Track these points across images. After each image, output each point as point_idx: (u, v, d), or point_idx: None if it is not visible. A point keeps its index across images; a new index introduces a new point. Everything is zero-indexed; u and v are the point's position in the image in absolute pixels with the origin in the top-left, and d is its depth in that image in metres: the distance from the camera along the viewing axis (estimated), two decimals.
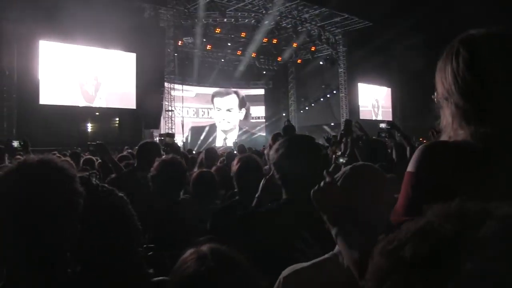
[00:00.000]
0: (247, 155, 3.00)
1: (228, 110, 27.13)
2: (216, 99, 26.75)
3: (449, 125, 1.07)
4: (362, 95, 27.94)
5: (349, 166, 1.44)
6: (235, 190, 2.83)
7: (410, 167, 1.05)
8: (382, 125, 4.82)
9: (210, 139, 25.92)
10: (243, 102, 27.79)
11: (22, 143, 4.34)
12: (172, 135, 18.71)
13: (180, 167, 2.68)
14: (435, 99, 1.12)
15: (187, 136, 21.44)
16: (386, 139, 4.71)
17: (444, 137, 1.08)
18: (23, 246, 1.05)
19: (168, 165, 2.63)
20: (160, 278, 1.28)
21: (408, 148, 4.04)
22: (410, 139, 4.34)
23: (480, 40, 1.04)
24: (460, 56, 1.04)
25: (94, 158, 5.43)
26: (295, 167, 1.64)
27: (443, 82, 1.07)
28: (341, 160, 2.93)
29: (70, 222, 1.11)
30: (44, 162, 1.14)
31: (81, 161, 5.68)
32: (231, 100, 27.36)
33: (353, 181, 1.35)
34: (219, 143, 26.36)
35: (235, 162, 2.84)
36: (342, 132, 3.99)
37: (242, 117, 27.88)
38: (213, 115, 26.56)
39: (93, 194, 1.15)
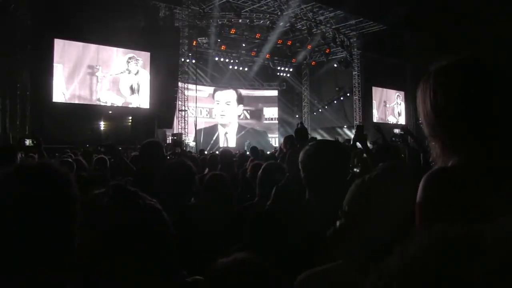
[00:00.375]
0: (272, 164, 2.96)
1: (227, 103, 27.51)
2: (216, 93, 27.22)
3: (439, 158, 1.08)
4: (376, 98, 27.69)
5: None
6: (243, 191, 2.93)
7: (418, 198, 1.02)
8: (396, 131, 4.84)
9: (214, 138, 26.27)
10: (241, 99, 28.11)
11: (34, 142, 4.28)
12: (179, 135, 19.33)
13: (189, 170, 2.58)
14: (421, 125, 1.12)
15: (195, 137, 21.49)
16: (400, 143, 4.85)
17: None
18: (17, 250, 1.03)
19: (176, 168, 2.56)
20: (195, 277, 1.26)
21: (421, 154, 3.98)
22: (423, 144, 4.26)
23: (452, 70, 1.06)
24: (436, 88, 1.06)
25: (106, 158, 5.41)
26: (321, 168, 1.65)
27: (425, 115, 1.09)
28: (355, 169, 2.93)
29: (65, 227, 1.08)
30: (41, 167, 1.14)
31: (93, 160, 5.63)
32: (230, 94, 27.76)
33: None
34: (221, 140, 26.65)
35: (248, 166, 3.00)
36: (354, 138, 3.90)
37: (239, 113, 28.18)
38: (214, 110, 27.11)
39: (131, 201, 1.08)
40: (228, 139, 27.45)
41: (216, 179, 2.89)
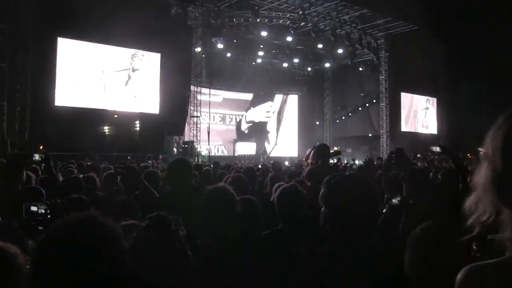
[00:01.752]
0: (293, 187, 2.94)
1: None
2: (249, 113, 27.25)
3: (481, 187, 0.99)
4: (405, 105, 26.99)
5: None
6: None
7: None
8: (434, 149, 5.68)
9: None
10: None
11: (42, 157, 4.35)
12: (190, 143, 18.94)
13: (231, 199, 2.59)
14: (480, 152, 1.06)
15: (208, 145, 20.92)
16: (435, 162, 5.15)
17: (472, 201, 1.00)
18: None
19: (216, 197, 2.57)
20: None
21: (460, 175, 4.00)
22: (463, 166, 4.33)
23: None
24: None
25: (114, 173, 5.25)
26: (345, 208, 1.67)
27: (490, 143, 1.01)
28: (393, 200, 2.80)
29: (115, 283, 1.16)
30: (85, 223, 1.17)
31: (103, 176, 5.46)
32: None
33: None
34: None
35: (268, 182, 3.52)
36: (394, 163, 3.77)
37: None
38: (228, 117, 26.90)
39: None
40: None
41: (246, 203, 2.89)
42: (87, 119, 16.79)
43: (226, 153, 25.83)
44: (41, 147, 12.66)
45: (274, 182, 4.70)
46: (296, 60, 25.22)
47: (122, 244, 1.20)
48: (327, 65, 26.80)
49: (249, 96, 27.51)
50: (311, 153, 6.21)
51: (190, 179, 3.36)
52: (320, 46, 22.86)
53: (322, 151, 5.20)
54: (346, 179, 1.77)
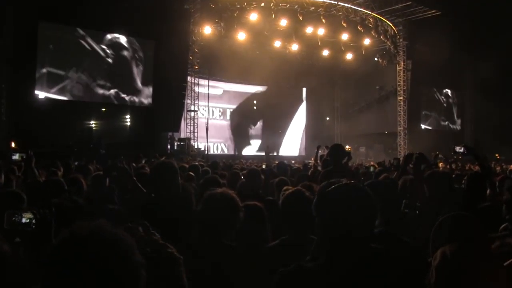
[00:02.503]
0: (297, 193, 2.99)
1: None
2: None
3: None
4: (426, 100, 26.90)
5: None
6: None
7: None
8: (458, 149, 5.21)
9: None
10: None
11: (23, 157, 4.51)
12: (187, 141, 18.73)
13: (233, 204, 2.68)
14: None
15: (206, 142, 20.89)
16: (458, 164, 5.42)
17: None
18: None
19: (216, 200, 2.66)
20: None
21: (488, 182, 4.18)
22: (490, 170, 4.43)
23: None
24: None
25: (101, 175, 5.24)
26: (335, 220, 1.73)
27: None
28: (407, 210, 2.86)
29: None
30: (94, 235, 1.18)
31: (91, 177, 5.49)
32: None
33: None
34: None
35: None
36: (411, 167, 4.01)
37: None
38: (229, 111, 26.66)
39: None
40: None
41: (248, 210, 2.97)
42: (71, 111, 16.64)
43: (226, 151, 25.85)
44: (13, 144, 12.50)
45: (281, 188, 4.81)
46: (304, 49, 24.94)
47: (137, 261, 1.20)
48: (339, 54, 26.46)
49: (251, 89, 27.54)
50: (318, 152, 6.20)
51: (176, 184, 3.36)
52: (330, 33, 22.57)
53: (336, 152, 5.22)
54: (340, 187, 1.78)
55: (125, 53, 18.92)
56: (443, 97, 28.08)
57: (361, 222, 1.72)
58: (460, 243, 1.56)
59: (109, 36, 18.33)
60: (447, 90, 27.81)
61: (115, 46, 18.63)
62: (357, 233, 1.70)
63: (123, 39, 18.75)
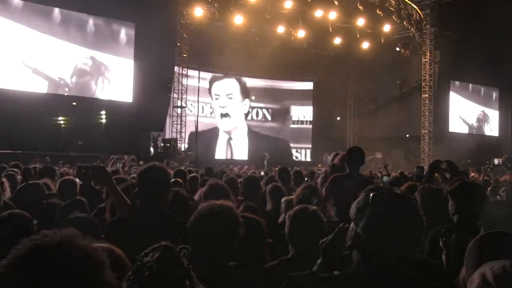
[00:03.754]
0: (307, 210, 3.13)
1: (228, 96, 27.43)
2: (215, 85, 27.04)
3: None
4: (455, 98, 26.98)
5: None
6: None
7: None
8: (497, 161, 6.10)
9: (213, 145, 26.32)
10: (246, 91, 28.10)
11: None
12: (173, 142, 19.06)
13: (233, 219, 2.73)
14: None
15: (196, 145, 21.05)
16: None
17: None
18: None
19: (211, 215, 2.70)
20: None
21: None
22: None
23: None
24: None
25: (76, 180, 5.37)
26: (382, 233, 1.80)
27: None
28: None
29: None
30: (63, 247, 1.22)
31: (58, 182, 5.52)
32: (231, 85, 27.68)
33: None
34: (221, 148, 26.68)
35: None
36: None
37: (246, 110, 28.23)
38: (214, 107, 27.09)
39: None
40: (232, 147, 27.32)
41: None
42: (33, 106, 16.52)
43: (219, 156, 25.89)
44: None
45: (275, 197, 5.00)
46: (312, 37, 24.95)
47: (105, 281, 1.24)
48: (353, 44, 26.46)
49: (249, 82, 27.76)
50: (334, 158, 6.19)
51: (166, 192, 3.42)
52: (343, 18, 22.61)
53: (354, 156, 5.26)
54: (392, 195, 1.89)
55: (100, 36, 19.09)
56: (478, 94, 28.11)
57: (406, 241, 1.81)
58: (505, 265, 1.56)
59: (78, 15, 18.52)
60: (483, 86, 27.80)
61: (87, 28, 18.90)
62: (399, 253, 1.79)
63: (96, 20, 18.95)
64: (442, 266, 2.54)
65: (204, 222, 2.66)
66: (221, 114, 26.80)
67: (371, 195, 1.88)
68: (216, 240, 2.64)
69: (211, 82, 26.65)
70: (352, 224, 1.93)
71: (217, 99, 26.77)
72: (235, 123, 27.36)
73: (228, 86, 27.37)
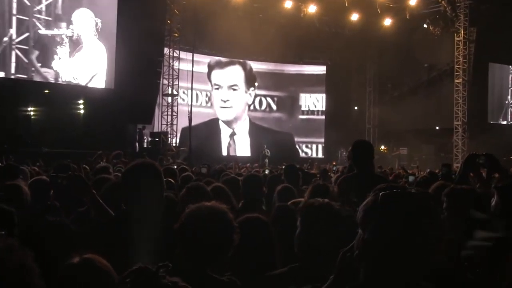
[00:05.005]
0: (317, 204, 3.02)
1: (232, 87, 27.48)
2: (215, 73, 26.98)
3: None
4: (495, 83, 26.81)
5: None
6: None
7: None
8: None
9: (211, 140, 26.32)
10: (252, 79, 28.15)
11: None
12: (163, 136, 19.10)
13: (227, 224, 2.74)
14: None
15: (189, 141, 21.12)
16: None
17: None
18: None
19: (203, 219, 2.70)
20: None
21: None
22: None
23: None
24: None
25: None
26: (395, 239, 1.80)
27: None
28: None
29: None
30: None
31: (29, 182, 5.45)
32: (235, 73, 27.62)
33: None
34: (221, 143, 26.97)
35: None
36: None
37: (250, 101, 28.37)
38: (213, 96, 27.13)
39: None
40: (235, 143, 27.48)
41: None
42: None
43: (217, 153, 25.83)
44: None
45: (285, 199, 4.90)
46: (325, 14, 24.94)
47: None
48: (372, 21, 26.40)
49: (252, 65, 27.85)
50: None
51: (159, 193, 3.43)
52: None
53: (360, 151, 5.21)
54: (405, 195, 1.88)
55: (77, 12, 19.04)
56: None
57: (422, 249, 1.80)
58: None
59: None
60: None
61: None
62: (414, 262, 1.79)
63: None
64: (466, 277, 2.58)
65: (192, 228, 2.66)
66: (222, 106, 26.87)
67: (380, 194, 1.88)
68: (207, 249, 2.62)
69: (211, 68, 26.66)
70: (359, 230, 1.94)
71: (217, 89, 26.82)
72: (238, 116, 27.50)
73: (232, 75, 27.38)
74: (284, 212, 4.07)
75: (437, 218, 1.94)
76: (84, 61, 19.05)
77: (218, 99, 26.75)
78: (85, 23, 19.07)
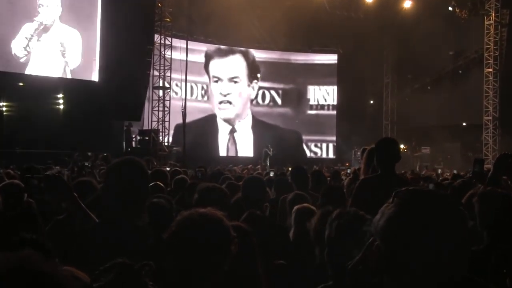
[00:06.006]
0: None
1: (234, 79, 27.65)
2: (214, 63, 27.14)
3: None
4: None
5: None
6: None
7: None
8: None
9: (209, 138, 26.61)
10: (255, 70, 28.41)
11: None
12: (153, 134, 19.15)
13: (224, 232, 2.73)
14: None
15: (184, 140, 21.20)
16: None
17: None
18: None
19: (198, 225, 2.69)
20: None
21: None
22: None
23: None
24: None
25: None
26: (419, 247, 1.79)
27: None
28: None
29: None
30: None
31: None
32: (237, 64, 27.76)
33: None
34: (220, 142, 27.18)
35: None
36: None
37: (253, 95, 28.56)
38: (211, 90, 27.35)
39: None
40: (236, 142, 27.65)
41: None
42: None
43: (215, 153, 26.04)
44: None
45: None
46: None
47: None
48: (388, 3, 26.44)
49: (255, 54, 27.86)
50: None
51: (145, 195, 3.45)
52: None
53: (384, 151, 5.23)
54: (428, 197, 1.87)
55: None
56: None
57: (444, 256, 1.79)
58: None
59: None
60: None
61: None
62: (434, 272, 1.78)
63: None
64: None
65: (182, 238, 2.63)
66: (221, 101, 26.98)
67: (407, 198, 1.85)
68: (199, 262, 2.58)
69: (209, 58, 26.75)
70: (372, 240, 1.94)
71: (216, 81, 26.97)
72: (239, 113, 27.63)
73: (233, 66, 27.53)
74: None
75: (463, 221, 1.88)
76: (55, 50, 19.14)
77: (217, 93, 26.92)
78: (53, 9, 19.14)
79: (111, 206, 3.39)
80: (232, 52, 27.28)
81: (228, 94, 27.05)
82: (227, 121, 27.34)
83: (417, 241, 1.78)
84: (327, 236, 3.04)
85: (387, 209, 1.85)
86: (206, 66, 26.57)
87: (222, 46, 27.00)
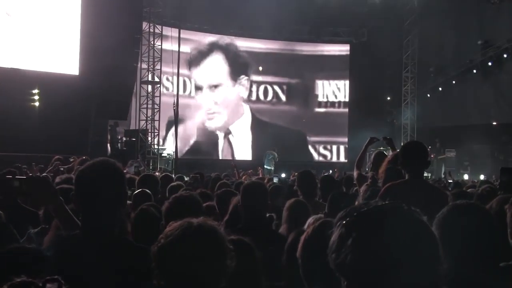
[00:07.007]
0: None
1: (214, 86, 27.78)
2: (194, 72, 27.25)
3: None
4: None
5: None
6: None
7: None
8: None
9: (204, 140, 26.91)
10: (240, 62, 28.55)
11: None
12: (141, 134, 18.86)
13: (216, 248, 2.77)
14: None
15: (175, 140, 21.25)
16: None
17: None
18: None
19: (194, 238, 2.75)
20: None
21: None
22: None
23: None
24: None
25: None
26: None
27: None
28: None
29: None
30: None
31: None
32: (215, 66, 27.87)
33: None
34: (217, 144, 27.63)
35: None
36: None
37: (245, 93, 28.74)
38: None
39: None
40: (234, 145, 27.93)
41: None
42: None
43: (210, 156, 26.28)
44: None
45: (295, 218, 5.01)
46: None
47: None
48: None
49: (253, 45, 28.11)
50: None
51: (120, 204, 3.45)
52: None
53: (412, 156, 5.29)
54: (473, 208, 2.16)
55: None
56: None
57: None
58: None
59: None
60: None
61: None
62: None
63: None
64: None
65: (173, 251, 2.66)
66: (207, 112, 27.20)
67: (447, 208, 2.15)
68: (192, 278, 2.61)
69: (190, 65, 26.89)
70: None
71: (199, 90, 27.31)
72: (228, 118, 27.92)
73: (212, 70, 27.61)
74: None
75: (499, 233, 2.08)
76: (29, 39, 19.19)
77: (202, 103, 27.22)
78: None
79: (83, 217, 3.37)
80: (211, 51, 27.41)
81: (211, 104, 27.36)
82: (218, 129, 27.62)
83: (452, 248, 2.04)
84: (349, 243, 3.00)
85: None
86: (190, 75, 26.89)
87: (203, 48, 27.17)
